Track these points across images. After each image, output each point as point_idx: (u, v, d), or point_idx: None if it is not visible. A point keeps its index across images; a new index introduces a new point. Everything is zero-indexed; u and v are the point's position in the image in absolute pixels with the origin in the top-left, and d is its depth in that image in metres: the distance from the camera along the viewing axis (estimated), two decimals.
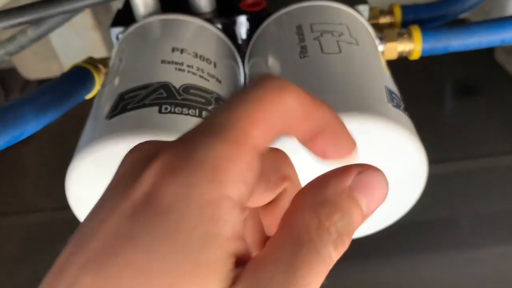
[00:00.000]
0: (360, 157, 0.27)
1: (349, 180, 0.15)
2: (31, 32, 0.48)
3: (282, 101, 0.15)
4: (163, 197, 0.13)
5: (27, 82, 0.78)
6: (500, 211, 0.56)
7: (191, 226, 0.13)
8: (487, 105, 0.72)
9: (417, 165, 0.28)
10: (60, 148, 0.72)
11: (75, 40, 0.56)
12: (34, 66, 0.63)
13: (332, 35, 0.32)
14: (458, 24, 0.39)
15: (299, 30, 0.33)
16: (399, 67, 0.36)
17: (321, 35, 0.32)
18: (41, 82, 0.76)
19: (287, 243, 0.14)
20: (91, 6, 0.31)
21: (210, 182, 0.13)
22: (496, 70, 0.74)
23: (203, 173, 0.13)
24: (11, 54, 0.50)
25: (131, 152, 0.16)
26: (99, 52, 0.60)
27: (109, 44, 0.58)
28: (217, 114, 0.15)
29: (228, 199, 0.14)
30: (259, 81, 0.15)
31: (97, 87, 0.36)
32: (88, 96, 0.36)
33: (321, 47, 0.31)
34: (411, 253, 0.53)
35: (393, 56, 0.39)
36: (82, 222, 0.15)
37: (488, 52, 0.76)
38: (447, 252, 0.53)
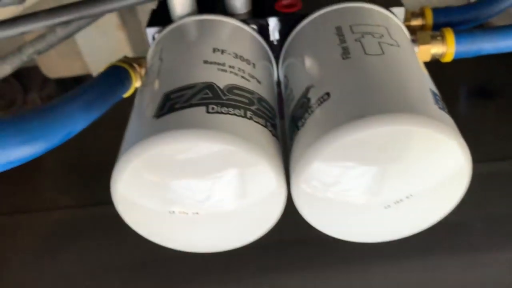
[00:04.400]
0: (407, 160, 0.27)
1: None
2: (61, 31, 0.48)
3: None
4: None
5: (45, 80, 0.78)
6: None
7: None
8: (504, 108, 0.71)
9: (462, 170, 0.28)
10: (79, 147, 0.72)
11: (100, 39, 0.56)
12: (57, 64, 0.63)
13: (373, 36, 0.32)
14: (491, 27, 0.39)
15: (339, 31, 0.33)
16: None
17: (362, 36, 0.32)
18: (60, 80, 0.76)
19: None
20: (134, 5, 0.31)
21: None
22: None
23: None
24: (39, 52, 0.50)
25: None
26: (124, 52, 0.60)
27: (134, 44, 0.58)
28: None
29: None
30: None
31: (133, 86, 0.36)
32: (126, 94, 0.36)
33: (363, 48, 0.31)
34: (422, 255, 0.53)
35: (426, 58, 0.39)
36: None
37: (506, 55, 0.76)
38: (460, 255, 0.53)
